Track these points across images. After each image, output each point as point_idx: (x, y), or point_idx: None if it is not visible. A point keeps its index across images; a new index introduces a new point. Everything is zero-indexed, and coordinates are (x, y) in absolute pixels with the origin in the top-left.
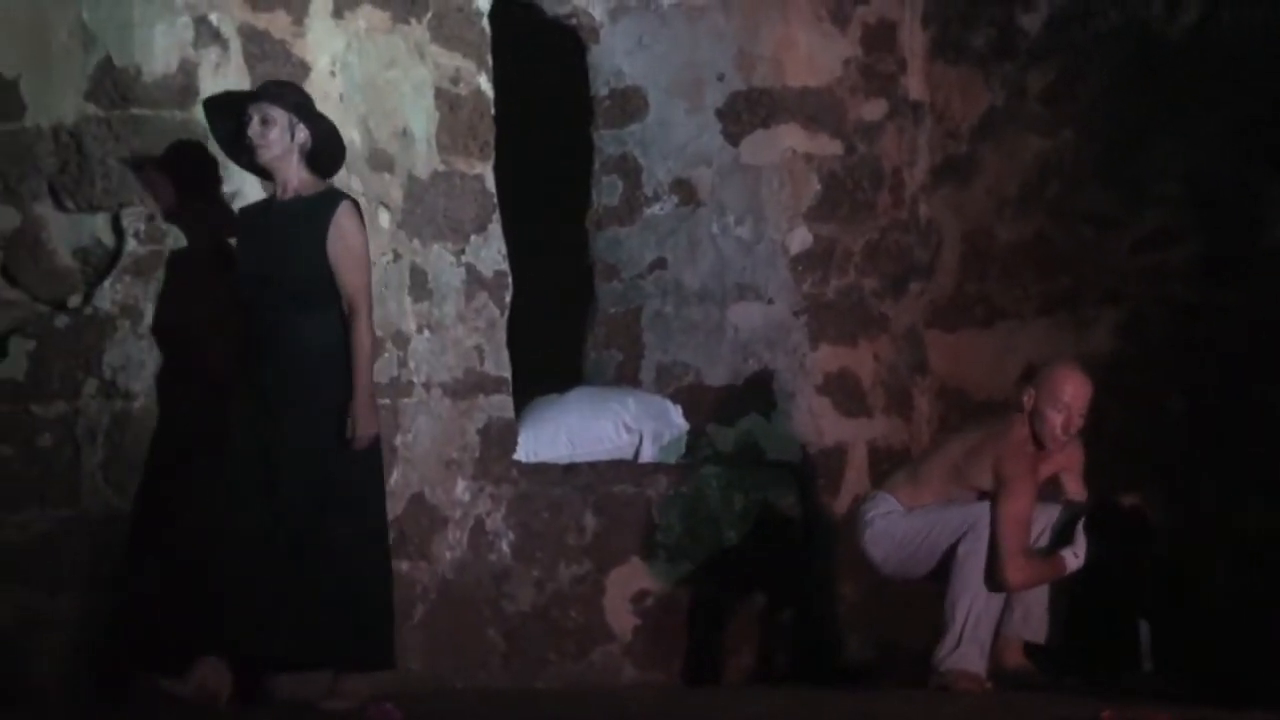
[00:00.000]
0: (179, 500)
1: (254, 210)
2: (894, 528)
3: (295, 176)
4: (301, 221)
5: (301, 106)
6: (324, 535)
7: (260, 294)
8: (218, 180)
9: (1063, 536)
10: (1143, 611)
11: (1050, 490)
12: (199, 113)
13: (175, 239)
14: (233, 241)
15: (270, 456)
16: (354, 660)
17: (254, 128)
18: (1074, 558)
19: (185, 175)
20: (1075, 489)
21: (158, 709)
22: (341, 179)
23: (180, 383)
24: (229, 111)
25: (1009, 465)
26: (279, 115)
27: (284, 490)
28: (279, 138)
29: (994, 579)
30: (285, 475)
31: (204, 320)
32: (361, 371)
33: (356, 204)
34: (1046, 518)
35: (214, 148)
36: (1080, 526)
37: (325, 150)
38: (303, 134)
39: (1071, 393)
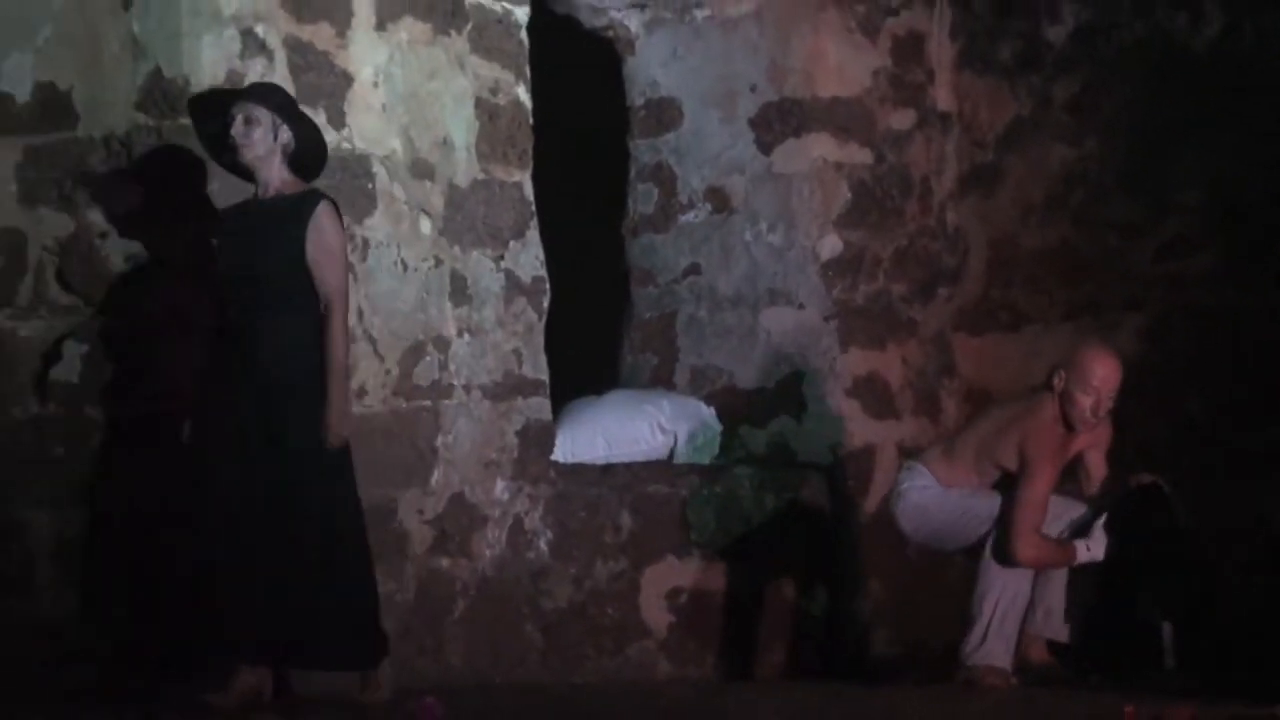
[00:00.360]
0: (172, 505)
1: (235, 210)
2: (927, 504)
3: (277, 177)
4: (282, 221)
5: (285, 108)
6: (302, 533)
7: (240, 292)
8: (199, 186)
9: (1082, 530)
10: (1165, 611)
11: (1075, 468)
12: None
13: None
14: (215, 241)
15: (254, 454)
16: (335, 660)
17: (237, 127)
18: (1086, 550)
19: (162, 183)
20: (1099, 466)
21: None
22: (384, 186)
23: (157, 387)
24: (214, 111)
25: (1034, 446)
26: (263, 115)
27: (267, 489)
28: (262, 138)
29: (1004, 553)
30: (268, 474)
31: (179, 324)
32: (336, 370)
33: (335, 205)
34: (1070, 514)
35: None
36: (1100, 523)
37: (308, 152)
38: (286, 135)
39: (1102, 376)
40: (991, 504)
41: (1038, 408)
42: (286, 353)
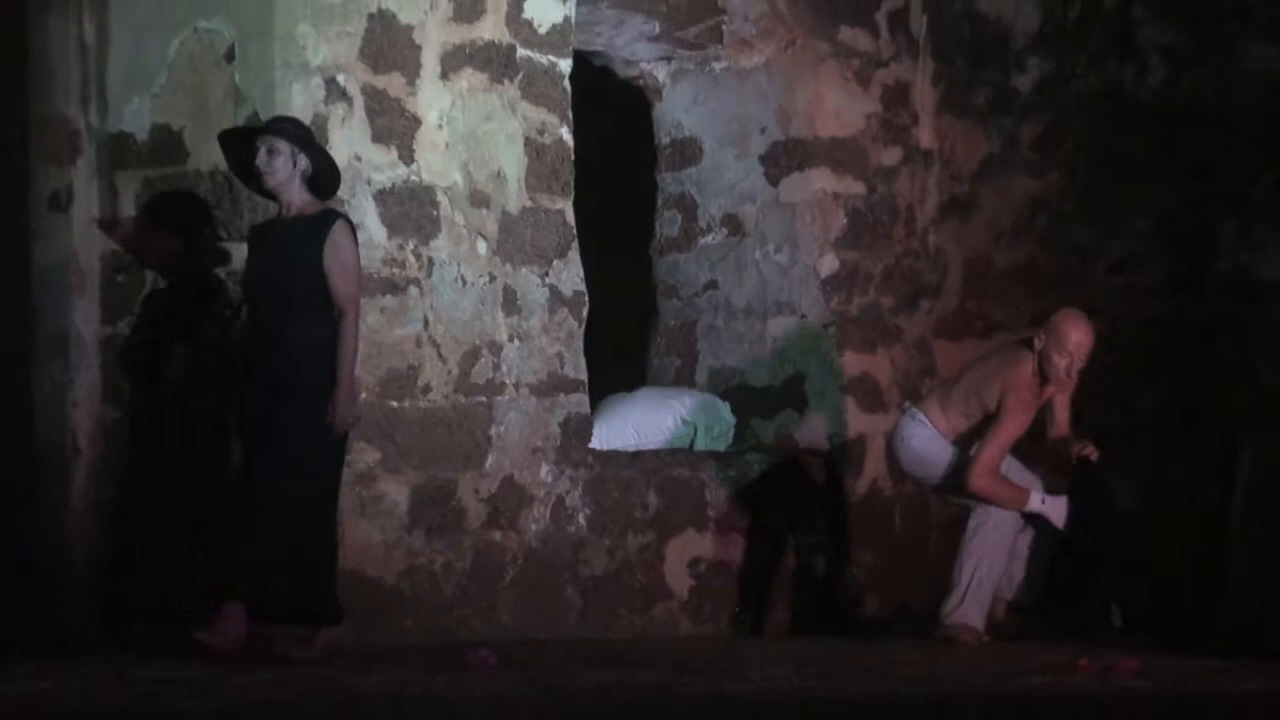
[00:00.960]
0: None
1: (263, 227)
2: (925, 454)
3: (298, 198)
4: (303, 237)
5: (303, 139)
6: (297, 505)
7: (265, 299)
8: (206, 222)
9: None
10: (1107, 577)
11: (1042, 416)
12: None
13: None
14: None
15: (270, 438)
16: (308, 616)
17: (261, 157)
18: (1040, 502)
19: (174, 223)
20: (1063, 410)
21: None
22: (446, 213)
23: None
24: (241, 143)
25: (1013, 397)
26: (283, 146)
27: (277, 466)
28: (283, 165)
29: (957, 479)
30: (279, 454)
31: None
32: (344, 367)
33: (350, 222)
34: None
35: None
36: (1064, 495)
37: (324, 176)
38: (304, 162)
39: (1076, 340)
40: None
41: (1020, 361)
42: (304, 350)
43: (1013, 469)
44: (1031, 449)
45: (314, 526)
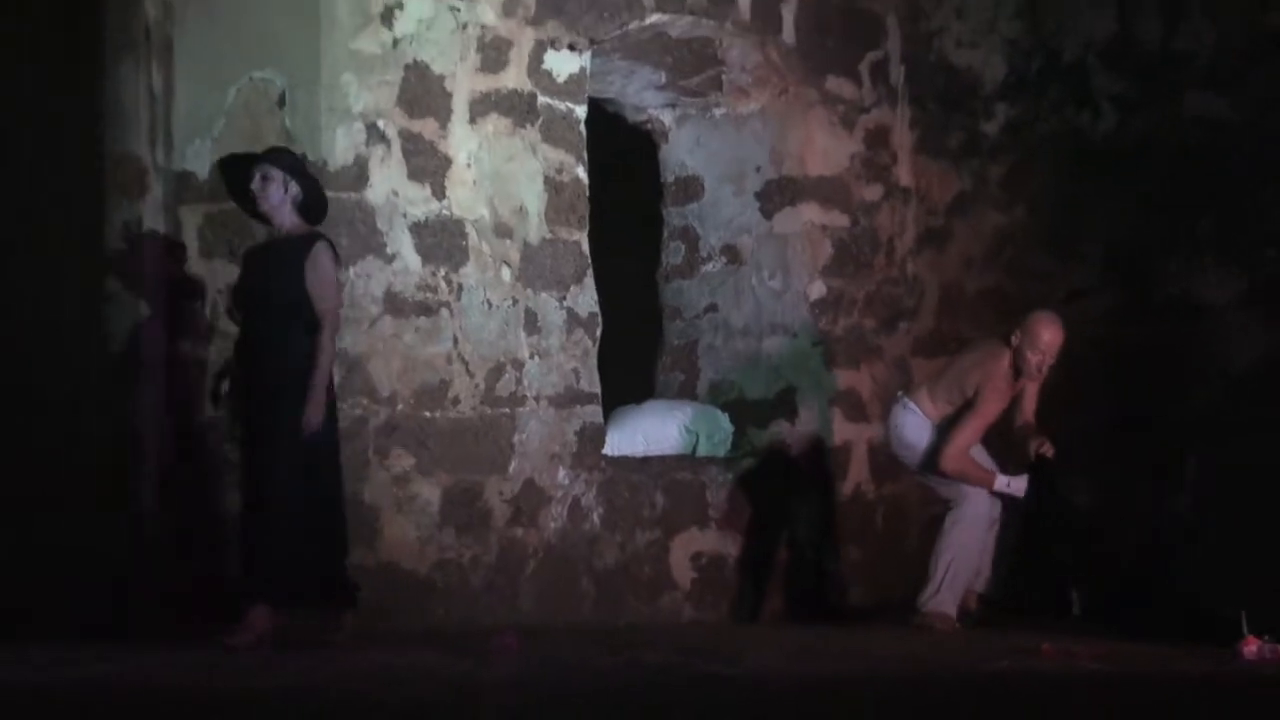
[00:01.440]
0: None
1: (257, 247)
2: (914, 440)
3: (288, 221)
4: (289, 257)
5: (294, 167)
6: (295, 503)
7: (255, 312)
8: (180, 263)
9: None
10: (1063, 566)
11: (1012, 406)
12: (370, 194)
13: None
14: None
15: (261, 440)
16: (328, 601)
17: (256, 183)
18: (1006, 485)
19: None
20: (1031, 399)
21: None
22: (474, 243)
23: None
24: (240, 170)
25: (989, 389)
26: (276, 174)
27: (272, 466)
28: (275, 191)
29: (934, 458)
30: (272, 454)
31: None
32: (318, 375)
33: (332, 244)
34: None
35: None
36: (1027, 477)
37: (314, 202)
38: (295, 189)
39: (1048, 339)
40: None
41: (999, 356)
42: (288, 358)
43: (981, 457)
44: (999, 446)
45: (315, 519)
